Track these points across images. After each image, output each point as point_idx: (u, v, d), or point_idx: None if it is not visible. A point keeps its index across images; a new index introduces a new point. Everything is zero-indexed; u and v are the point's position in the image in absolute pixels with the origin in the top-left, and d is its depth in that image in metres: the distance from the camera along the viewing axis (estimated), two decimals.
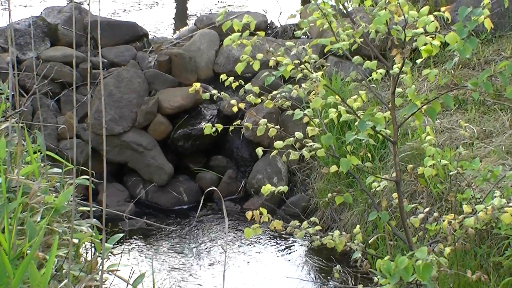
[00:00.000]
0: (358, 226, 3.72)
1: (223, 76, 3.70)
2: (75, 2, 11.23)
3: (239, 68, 3.48)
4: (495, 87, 6.42)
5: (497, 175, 4.21)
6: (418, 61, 3.27)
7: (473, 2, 6.79)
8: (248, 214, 3.55)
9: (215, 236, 6.79)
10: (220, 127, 3.67)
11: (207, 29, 8.34)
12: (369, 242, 4.75)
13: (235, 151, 7.70)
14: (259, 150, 3.69)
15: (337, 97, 3.53)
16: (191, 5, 11.84)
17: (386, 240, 5.64)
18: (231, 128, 3.70)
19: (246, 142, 7.54)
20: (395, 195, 3.73)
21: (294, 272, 6.14)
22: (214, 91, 3.73)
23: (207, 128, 3.66)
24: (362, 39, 3.43)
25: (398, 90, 3.52)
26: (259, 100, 3.68)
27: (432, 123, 4.78)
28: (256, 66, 3.48)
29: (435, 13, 3.11)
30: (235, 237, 6.68)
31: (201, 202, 7.22)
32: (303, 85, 3.45)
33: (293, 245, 6.55)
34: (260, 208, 3.62)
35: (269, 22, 8.83)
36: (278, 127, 3.67)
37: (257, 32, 3.53)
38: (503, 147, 5.92)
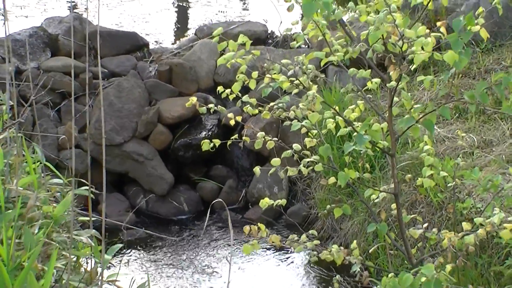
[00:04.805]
0: (355, 241, 3.71)
1: (220, 88, 3.71)
2: (75, 12, 11.26)
3: (236, 88, 3.50)
4: (495, 96, 6.42)
5: (497, 185, 4.20)
6: (412, 67, 3.26)
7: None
8: (246, 229, 3.55)
9: (216, 247, 6.77)
10: (217, 142, 3.67)
11: (207, 39, 8.34)
12: (370, 251, 4.75)
13: (235, 161, 7.70)
14: (257, 170, 3.68)
15: (333, 110, 3.54)
16: (192, 15, 11.87)
17: (387, 250, 5.64)
18: (229, 142, 3.70)
19: (246, 151, 7.53)
20: (394, 205, 3.72)
21: (294, 282, 6.12)
22: (211, 105, 3.73)
23: (205, 144, 3.66)
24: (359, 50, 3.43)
25: (396, 99, 3.53)
26: (257, 111, 3.68)
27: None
28: (252, 85, 3.49)
29: (433, 34, 3.08)
30: (235, 248, 6.66)
31: (208, 213, 7.20)
32: (300, 105, 3.45)
33: (293, 255, 6.53)
34: (259, 224, 3.63)
35: (269, 31, 8.85)
36: (276, 139, 3.67)
37: (253, 51, 3.53)
38: (504, 156, 5.91)
